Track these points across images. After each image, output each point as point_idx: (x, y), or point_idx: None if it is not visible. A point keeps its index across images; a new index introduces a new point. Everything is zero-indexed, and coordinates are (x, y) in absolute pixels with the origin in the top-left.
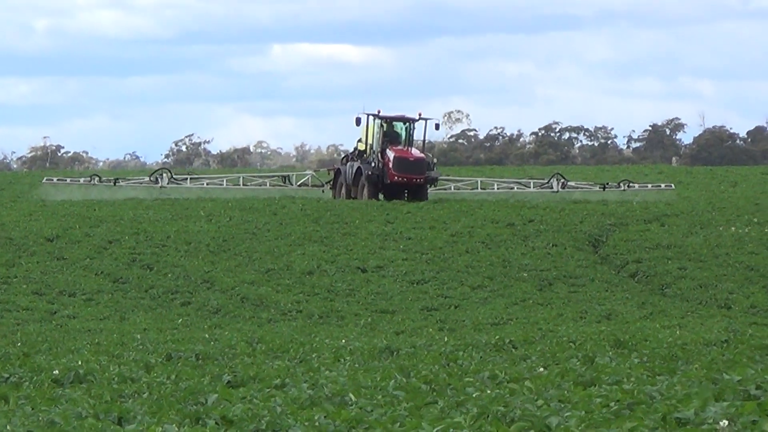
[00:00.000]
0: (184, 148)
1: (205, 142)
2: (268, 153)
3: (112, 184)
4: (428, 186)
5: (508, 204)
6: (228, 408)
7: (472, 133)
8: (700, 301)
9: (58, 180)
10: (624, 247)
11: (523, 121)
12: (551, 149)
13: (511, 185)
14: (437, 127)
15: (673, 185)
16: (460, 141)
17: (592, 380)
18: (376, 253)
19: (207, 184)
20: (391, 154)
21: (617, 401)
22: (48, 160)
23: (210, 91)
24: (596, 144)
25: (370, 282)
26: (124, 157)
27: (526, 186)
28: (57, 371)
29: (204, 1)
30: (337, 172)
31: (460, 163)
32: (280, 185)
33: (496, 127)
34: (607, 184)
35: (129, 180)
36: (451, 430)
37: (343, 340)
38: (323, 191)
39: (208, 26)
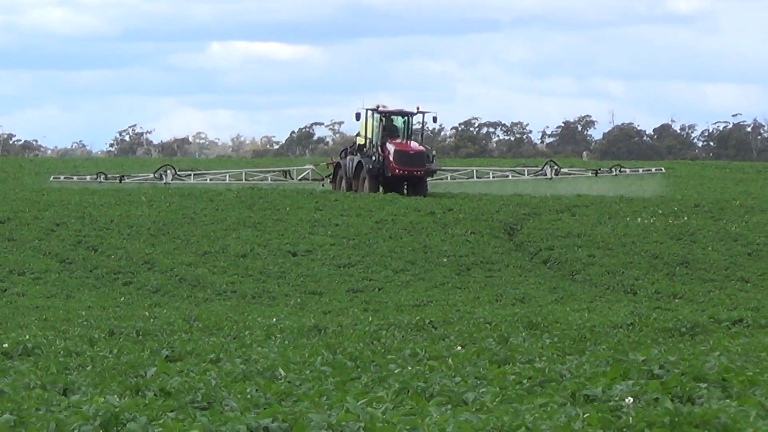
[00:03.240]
0: (127, 138)
1: (147, 132)
2: (206, 143)
3: (117, 181)
4: (427, 178)
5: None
6: (166, 380)
7: None
8: (607, 286)
9: (65, 178)
10: (537, 235)
11: (444, 116)
12: (470, 143)
13: (506, 173)
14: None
15: (663, 169)
16: None
17: (506, 359)
18: (306, 238)
19: (210, 179)
20: (391, 147)
21: (529, 378)
22: (0, 148)
23: (152, 85)
24: (512, 138)
25: (300, 265)
26: (72, 146)
27: (520, 174)
28: (6, 345)
29: (147, 0)
30: (337, 166)
31: None
32: (281, 180)
33: (418, 123)
34: (600, 169)
35: (134, 177)
36: (374, 403)
37: (274, 319)
38: (323, 185)
39: (150, 24)
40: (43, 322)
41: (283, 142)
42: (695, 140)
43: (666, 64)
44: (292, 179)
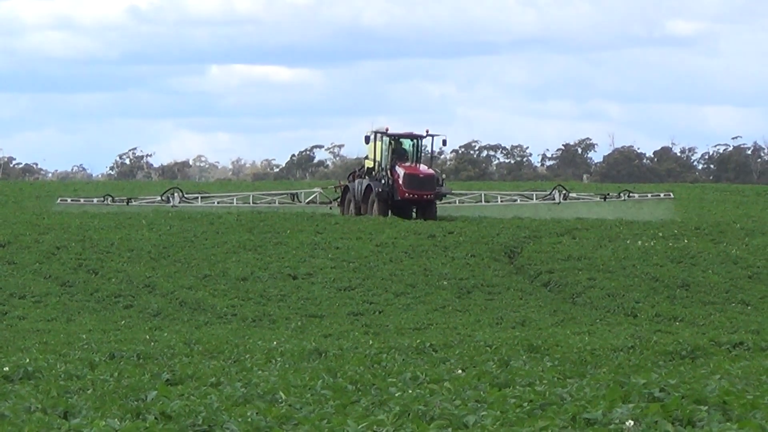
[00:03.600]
0: (127, 161)
1: (147, 155)
2: (206, 167)
3: (125, 204)
4: (437, 202)
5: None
6: (167, 404)
7: None
8: (608, 309)
9: (72, 200)
10: (537, 258)
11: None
12: (470, 165)
13: (515, 198)
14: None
15: (672, 194)
16: None
17: (506, 382)
18: (306, 261)
19: (218, 202)
20: (400, 171)
21: (530, 402)
22: (0, 171)
23: (151, 108)
24: (512, 161)
25: (301, 288)
26: (72, 169)
27: (529, 198)
28: (7, 368)
29: (146, 24)
30: (345, 189)
31: None
32: (289, 203)
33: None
34: (608, 194)
35: (141, 199)
36: (375, 427)
37: (275, 342)
38: (330, 208)
39: (149, 48)
40: (43, 345)
41: (283, 165)
42: (695, 163)
43: (666, 87)
44: (300, 202)
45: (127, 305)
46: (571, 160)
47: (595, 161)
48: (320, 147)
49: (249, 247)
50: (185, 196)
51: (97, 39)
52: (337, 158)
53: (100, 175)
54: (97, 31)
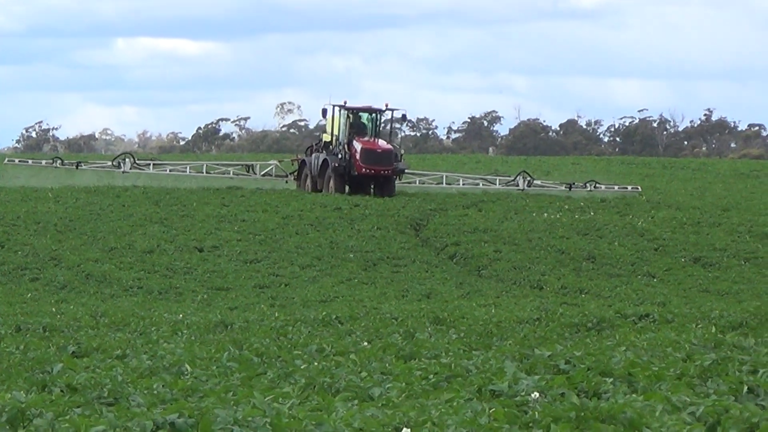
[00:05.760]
0: (34, 134)
1: (53, 128)
2: (113, 140)
3: (74, 167)
4: (395, 178)
5: None
6: (72, 376)
7: (303, 123)
8: (514, 281)
9: (19, 161)
10: (443, 231)
11: None
12: None
13: (477, 181)
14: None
15: (639, 187)
16: (292, 130)
17: (412, 354)
18: (213, 234)
19: (170, 170)
20: (358, 145)
21: (436, 374)
22: None
23: (57, 81)
24: (418, 134)
25: (207, 261)
26: None
27: (492, 183)
28: None
29: None
30: (302, 164)
31: (291, 150)
32: (244, 174)
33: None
34: (574, 183)
35: (91, 164)
36: (281, 399)
37: (181, 315)
38: (287, 182)
39: (55, 20)
40: None
41: (189, 138)
42: (601, 135)
43: (571, 60)
44: (255, 174)
45: (33, 278)
46: (477, 132)
47: (502, 134)
48: (226, 120)
49: (155, 220)
50: (136, 162)
51: (2, 12)
52: (243, 131)
53: (6, 148)
54: (2, 4)
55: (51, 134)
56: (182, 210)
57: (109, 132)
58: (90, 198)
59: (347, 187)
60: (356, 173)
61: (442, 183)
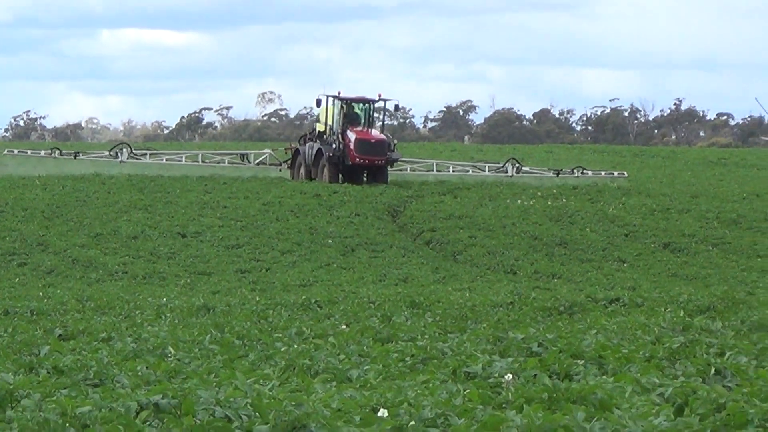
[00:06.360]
0: (21, 123)
1: (41, 117)
2: (98, 128)
3: (72, 157)
4: (388, 167)
5: None
6: (59, 359)
7: (283, 112)
8: (488, 266)
9: (18, 152)
10: (420, 217)
11: None
12: None
13: (467, 168)
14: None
15: (626, 173)
16: (273, 119)
17: (389, 337)
18: (195, 220)
19: (166, 159)
20: (352, 135)
21: (412, 356)
22: None
23: (44, 71)
24: (395, 123)
25: (190, 246)
26: None
27: (481, 170)
28: None
29: None
30: (296, 153)
31: (272, 139)
32: (238, 163)
33: (305, 107)
34: (561, 170)
35: (89, 154)
36: (261, 380)
37: (164, 299)
38: (280, 170)
39: (41, 11)
40: None
41: (173, 126)
42: (574, 124)
43: (545, 50)
44: (249, 163)
45: (21, 263)
46: (453, 121)
47: (477, 123)
48: (209, 109)
49: (140, 206)
50: (134, 152)
51: None
52: (225, 120)
53: None
54: None
55: (38, 123)
56: (166, 197)
57: (95, 121)
58: (76, 185)
59: (341, 176)
60: (350, 163)
61: (433, 170)
